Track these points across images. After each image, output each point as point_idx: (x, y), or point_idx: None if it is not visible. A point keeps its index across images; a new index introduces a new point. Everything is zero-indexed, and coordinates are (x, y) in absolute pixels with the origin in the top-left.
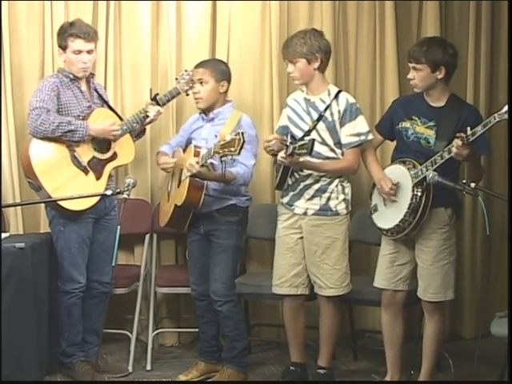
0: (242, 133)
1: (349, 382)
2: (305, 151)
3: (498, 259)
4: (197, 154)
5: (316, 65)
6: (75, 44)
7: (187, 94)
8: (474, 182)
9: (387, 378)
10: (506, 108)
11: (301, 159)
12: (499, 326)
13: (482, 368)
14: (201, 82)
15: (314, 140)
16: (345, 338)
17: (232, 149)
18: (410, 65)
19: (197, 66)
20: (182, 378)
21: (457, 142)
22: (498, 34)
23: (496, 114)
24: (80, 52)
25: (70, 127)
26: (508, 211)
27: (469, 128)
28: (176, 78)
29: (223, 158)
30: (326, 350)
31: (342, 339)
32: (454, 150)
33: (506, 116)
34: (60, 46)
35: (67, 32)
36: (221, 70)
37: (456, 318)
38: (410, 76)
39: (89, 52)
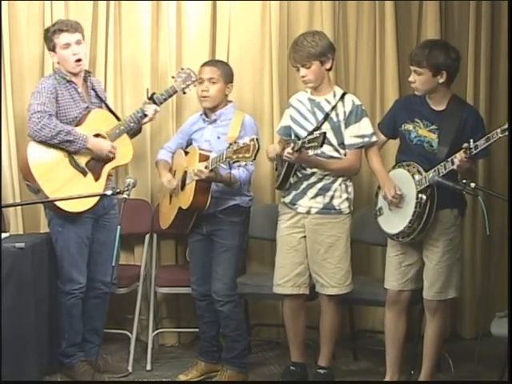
0: (257, 139)
1: (349, 382)
2: (316, 144)
3: (498, 259)
4: (203, 159)
5: (328, 65)
6: (61, 39)
7: (184, 93)
8: (474, 182)
9: (387, 378)
10: (507, 125)
11: (310, 152)
12: (499, 326)
13: (482, 368)
14: (212, 81)
15: (325, 133)
16: (345, 337)
17: (247, 155)
18: (412, 68)
19: (207, 65)
20: (182, 377)
21: (461, 155)
22: (498, 34)
23: (499, 130)
24: (68, 45)
25: (68, 137)
26: (508, 211)
27: (471, 140)
28: (172, 77)
29: (235, 164)
30: (326, 349)
31: (341, 339)
32: (456, 161)
33: (507, 133)
34: (50, 49)
35: (50, 31)
36: (228, 73)
37: (456, 317)
38: (411, 79)
39: (77, 43)
